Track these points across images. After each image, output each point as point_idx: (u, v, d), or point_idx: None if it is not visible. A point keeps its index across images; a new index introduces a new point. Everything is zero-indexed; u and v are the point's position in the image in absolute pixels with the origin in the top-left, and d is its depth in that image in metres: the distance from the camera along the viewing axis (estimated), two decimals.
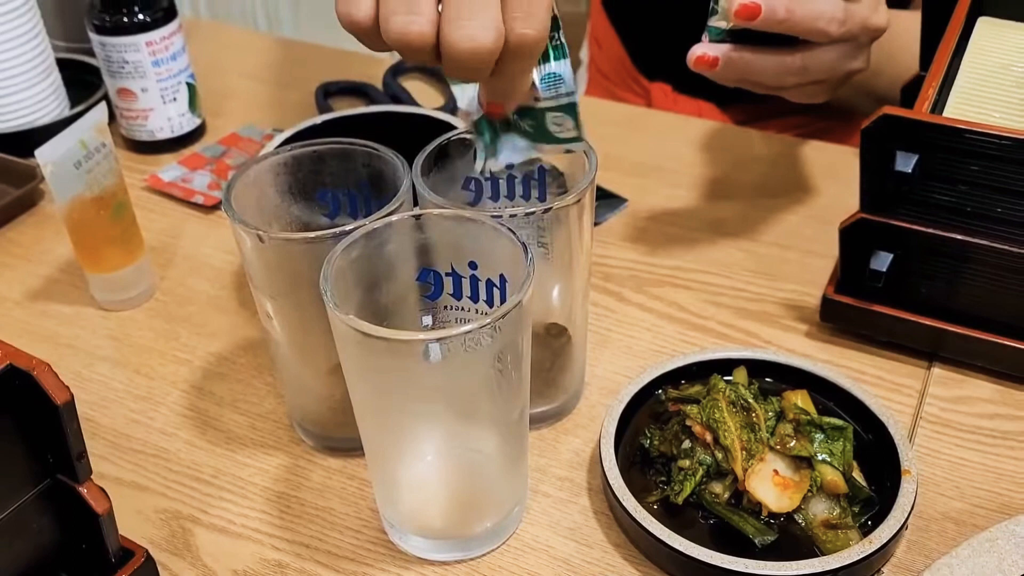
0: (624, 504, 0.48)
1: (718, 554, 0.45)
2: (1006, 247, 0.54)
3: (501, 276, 0.45)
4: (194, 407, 0.59)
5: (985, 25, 0.64)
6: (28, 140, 0.74)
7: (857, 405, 0.53)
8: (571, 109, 0.49)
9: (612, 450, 0.51)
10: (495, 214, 0.46)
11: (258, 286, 0.50)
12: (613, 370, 0.60)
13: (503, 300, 0.46)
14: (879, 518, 0.48)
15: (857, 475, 0.50)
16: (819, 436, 0.50)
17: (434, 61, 0.43)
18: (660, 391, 0.56)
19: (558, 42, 0.46)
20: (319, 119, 0.70)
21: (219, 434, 0.57)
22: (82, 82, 0.88)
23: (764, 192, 0.76)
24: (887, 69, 0.74)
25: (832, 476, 0.49)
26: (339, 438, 0.55)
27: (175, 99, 0.82)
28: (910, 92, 0.65)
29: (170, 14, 0.79)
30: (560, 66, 0.47)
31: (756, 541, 0.48)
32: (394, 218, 0.46)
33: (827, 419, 0.51)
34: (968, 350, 0.58)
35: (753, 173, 0.78)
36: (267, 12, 1.67)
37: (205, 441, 0.57)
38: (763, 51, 0.57)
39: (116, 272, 0.66)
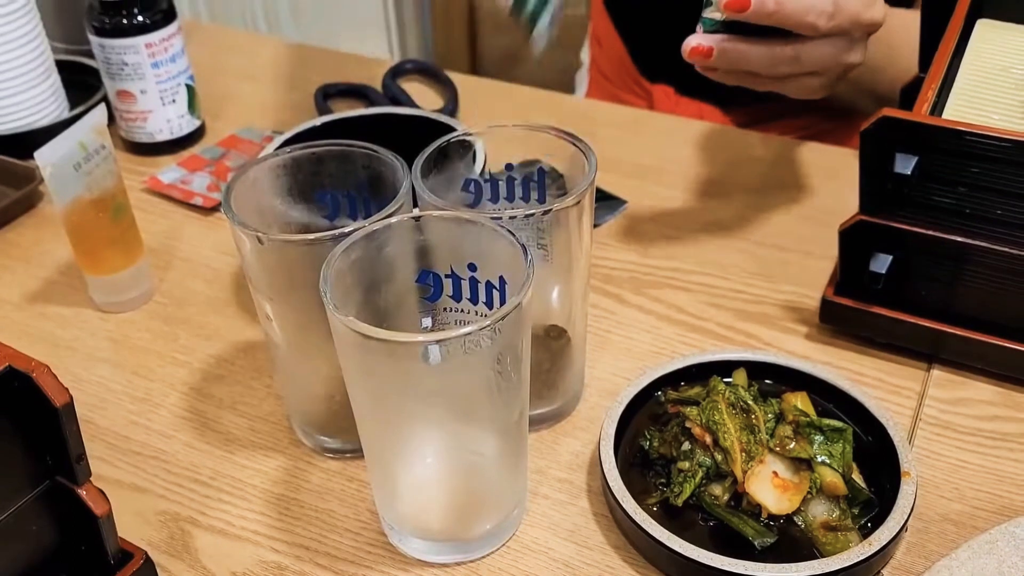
0: (624, 506, 0.48)
1: (718, 556, 0.45)
2: (1005, 249, 0.54)
3: (500, 278, 0.45)
4: (193, 409, 0.59)
5: (984, 27, 0.64)
6: (27, 142, 0.74)
7: (857, 407, 0.53)
8: None
9: (612, 452, 0.51)
10: (494, 216, 0.46)
11: (257, 288, 0.50)
12: (612, 372, 0.60)
13: (503, 302, 0.46)
14: (879, 520, 0.48)
15: (857, 477, 0.50)
16: (819, 438, 0.50)
17: None
18: (660, 393, 0.56)
19: None
20: (318, 121, 0.70)
21: (218, 436, 0.57)
22: (81, 84, 0.88)
23: (764, 194, 0.76)
24: (888, 67, 0.74)
25: (832, 478, 0.49)
26: (338, 440, 0.55)
27: (174, 101, 0.82)
28: (909, 94, 0.66)
29: (169, 16, 0.79)
30: None
31: (756, 543, 0.48)
32: (393, 220, 0.46)
33: (827, 421, 0.51)
34: (968, 352, 0.58)
35: (752, 175, 0.78)
36: (267, 14, 1.67)
37: (204, 443, 0.57)
38: (756, 41, 0.58)
39: (115, 274, 0.66)
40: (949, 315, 0.58)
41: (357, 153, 0.52)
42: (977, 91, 0.58)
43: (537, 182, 0.53)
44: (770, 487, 0.49)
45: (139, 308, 0.67)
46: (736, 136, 0.84)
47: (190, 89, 0.83)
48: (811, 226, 0.71)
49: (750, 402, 0.51)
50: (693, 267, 0.68)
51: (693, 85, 0.94)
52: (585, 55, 1.15)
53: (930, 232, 0.56)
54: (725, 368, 0.56)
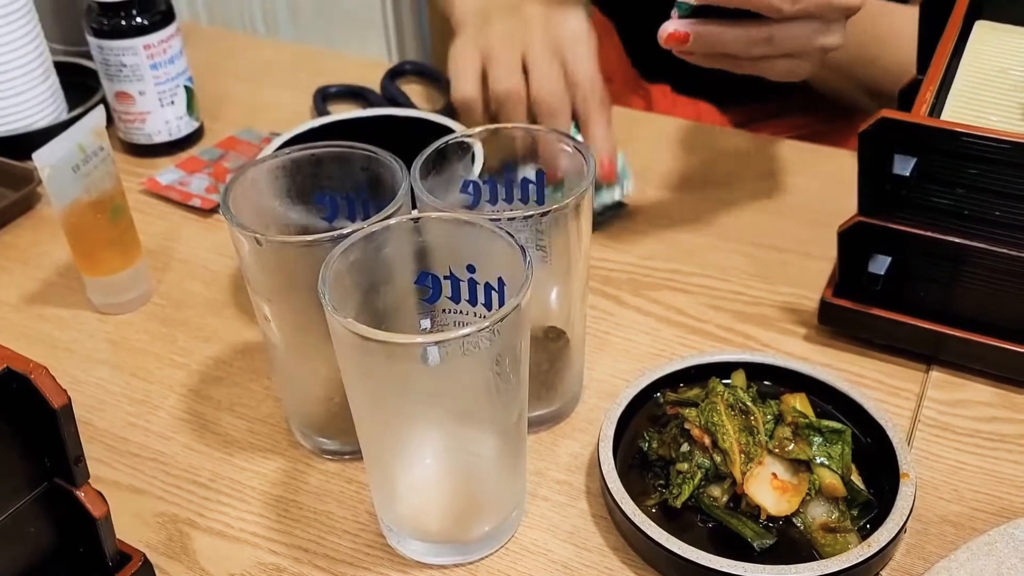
0: (623, 507, 0.48)
1: (717, 557, 0.45)
2: (1004, 250, 0.54)
3: (499, 279, 0.45)
4: (191, 410, 0.59)
5: (983, 29, 0.64)
6: (26, 143, 0.74)
7: (855, 408, 0.53)
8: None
9: (610, 453, 0.51)
10: (493, 217, 0.46)
11: (256, 289, 0.50)
12: (611, 373, 0.60)
13: (501, 303, 0.46)
14: (878, 521, 0.48)
15: (856, 478, 0.50)
16: (817, 439, 0.50)
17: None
18: (658, 394, 0.56)
19: None
20: (317, 122, 0.70)
21: (216, 438, 0.57)
22: (80, 85, 0.88)
23: (762, 195, 0.76)
24: (878, 59, 0.74)
25: (831, 479, 0.49)
26: (337, 441, 0.55)
27: (173, 102, 0.82)
28: (908, 95, 0.66)
29: (168, 18, 0.79)
30: None
31: (755, 544, 0.48)
32: (392, 221, 0.46)
33: (825, 422, 0.51)
34: (967, 353, 0.58)
35: (751, 176, 0.78)
36: (265, 16, 1.67)
37: (203, 445, 0.57)
38: (730, 23, 0.59)
39: (113, 275, 0.66)
40: (948, 316, 0.58)
41: (356, 155, 0.52)
42: (975, 92, 0.58)
43: (536, 183, 0.53)
44: (769, 488, 0.49)
45: (137, 310, 0.67)
46: (735, 138, 0.84)
47: (189, 91, 0.83)
48: (810, 227, 0.71)
49: (749, 403, 0.51)
50: (692, 269, 0.68)
51: (690, 84, 0.94)
52: None
53: (929, 233, 0.56)
54: (724, 370, 0.56)
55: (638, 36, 1.02)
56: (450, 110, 0.87)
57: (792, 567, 0.45)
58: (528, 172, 0.54)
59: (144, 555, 0.47)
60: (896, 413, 0.57)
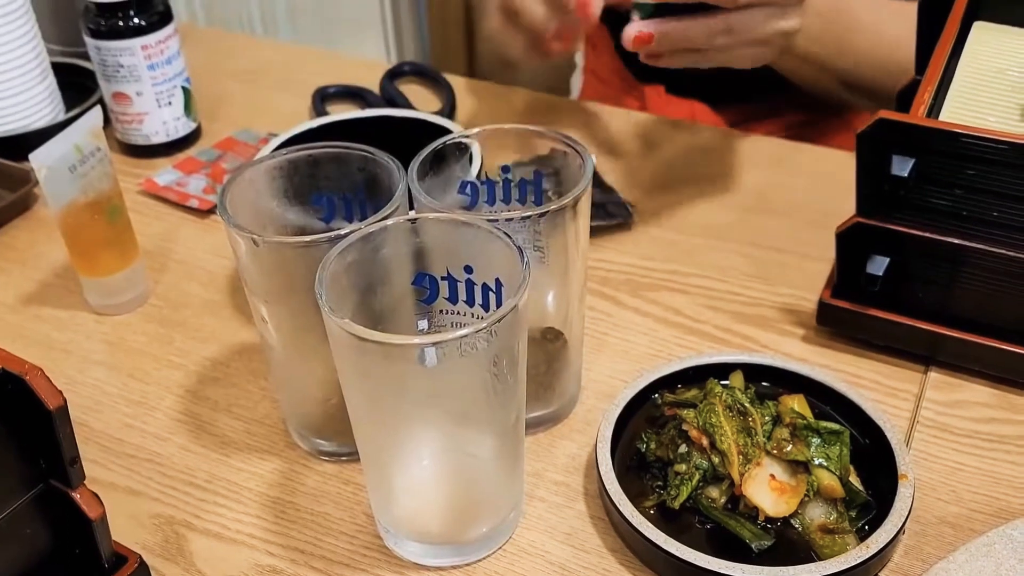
0: (620, 509, 0.48)
1: (715, 559, 0.45)
2: (1002, 251, 0.54)
3: (497, 280, 0.45)
4: (188, 411, 0.59)
5: (980, 30, 0.64)
6: (23, 144, 0.74)
7: (854, 409, 0.53)
8: None
9: (608, 454, 0.51)
10: (491, 218, 0.46)
11: (253, 290, 0.50)
12: (609, 374, 0.60)
13: (499, 304, 0.45)
14: (876, 523, 0.48)
15: (854, 479, 0.50)
16: (816, 440, 0.50)
17: None
18: (656, 395, 0.55)
19: None
20: (315, 123, 0.70)
21: (213, 439, 0.57)
22: (77, 86, 0.88)
23: (761, 196, 0.76)
24: (848, 50, 0.76)
25: (829, 480, 0.49)
26: (334, 443, 0.55)
27: (170, 103, 0.82)
28: (906, 96, 0.66)
29: (165, 18, 0.79)
30: None
31: (753, 546, 0.47)
32: (390, 222, 0.46)
33: (824, 423, 0.51)
34: (965, 354, 0.58)
35: (749, 177, 0.78)
36: (263, 16, 1.67)
37: (199, 446, 0.57)
38: (689, 17, 0.61)
39: (110, 276, 0.66)
40: (946, 317, 0.58)
41: (353, 155, 0.52)
42: (974, 93, 0.58)
43: (533, 184, 0.53)
44: (767, 490, 0.48)
45: (134, 311, 0.67)
46: (733, 138, 0.84)
47: (186, 91, 0.83)
48: (808, 228, 0.71)
49: (747, 404, 0.51)
50: (690, 269, 0.68)
51: (684, 85, 0.94)
52: (579, 57, 1.15)
53: (927, 234, 0.55)
54: (722, 370, 0.56)
55: None
56: (449, 111, 0.87)
57: (790, 568, 0.45)
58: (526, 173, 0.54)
59: (140, 557, 0.47)
60: (894, 414, 0.57)
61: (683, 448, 0.51)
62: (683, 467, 0.50)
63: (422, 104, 0.90)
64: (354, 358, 0.43)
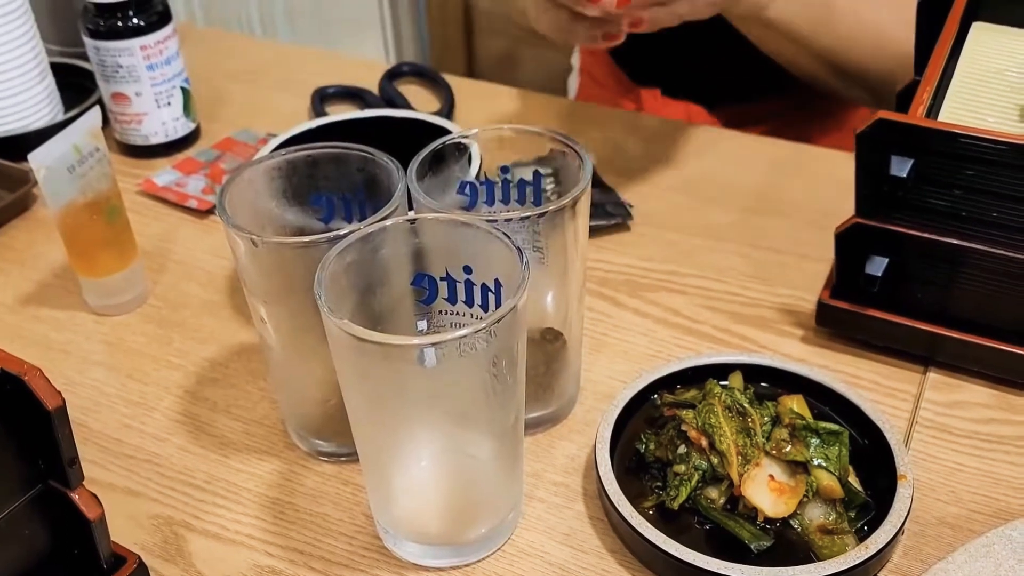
0: (620, 509, 0.48)
1: (714, 559, 0.45)
2: (1001, 251, 0.54)
3: (496, 280, 0.45)
4: (187, 412, 0.59)
5: (980, 30, 0.64)
6: (21, 144, 0.74)
7: (853, 410, 0.53)
8: None
9: (607, 455, 0.51)
10: (490, 218, 0.46)
11: (252, 291, 0.50)
12: (608, 375, 0.60)
13: (498, 305, 0.45)
14: (875, 523, 0.48)
15: (853, 480, 0.50)
16: (815, 441, 0.50)
17: None
18: (655, 396, 0.55)
19: None
20: (314, 123, 0.70)
21: (212, 439, 0.57)
22: (76, 86, 0.88)
23: (759, 196, 0.76)
24: (823, 26, 0.77)
25: (828, 481, 0.49)
26: (333, 443, 0.55)
27: (169, 103, 0.82)
28: (905, 96, 0.66)
29: (164, 18, 0.79)
30: None
31: (752, 546, 0.47)
32: (389, 222, 0.46)
33: (823, 424, 0.51)
34: (964, 355, 0.58)
35: (748, 177, 0.78)
36: (262, 17, 1.67)
37: (198, 446, 0.57)
38: None
39: (109, 277, 0.66)
40: (945, 318, 0.58)
41: (352, 156, 0.52)
42: (973, 94, 0.58)
43: (532, 184, 0.53)
44: (766, 490, 0.48)
45: (133, 311, 0.67)
46: (731, 138, 0.84)
47: (185, 92, 0.83)
48: (807, 229, 0.71)
49: (746, 405, 0.51)
50: (689, 270, 0.68)
51: (678, 87, 0.94)
52: (575, 59, 1.15)
53: (926, 235, 0.55)
54: (721, 371, 0.56)
55: (627, 41, 1.02)
56: (448, 111, 0.87)
57: (789, 569, 0.45)
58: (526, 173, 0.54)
59: (139, 558, 0.47)
60: (893, 415, 0.57)
61: (682, 449, 0.51)
62: (682, 468, 0.50)
63: (421, 104, 0.90)
64: (353, 359, 0.43)
